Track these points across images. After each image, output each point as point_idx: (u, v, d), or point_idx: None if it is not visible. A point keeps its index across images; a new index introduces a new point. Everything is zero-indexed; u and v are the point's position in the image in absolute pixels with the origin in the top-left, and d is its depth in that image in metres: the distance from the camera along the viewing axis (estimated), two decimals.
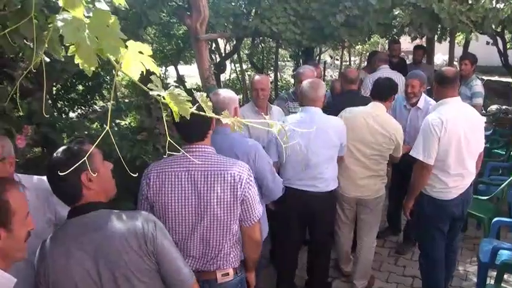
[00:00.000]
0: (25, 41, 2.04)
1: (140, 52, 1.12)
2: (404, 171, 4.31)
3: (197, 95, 1.23)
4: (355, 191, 4.00)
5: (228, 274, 2.49)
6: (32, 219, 1.75)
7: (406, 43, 7.58)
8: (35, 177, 2.32)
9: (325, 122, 3.63)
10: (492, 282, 3.92)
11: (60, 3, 1.03)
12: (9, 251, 1.62)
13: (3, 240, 1.58)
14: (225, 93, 2.99)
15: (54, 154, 1.87)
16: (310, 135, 3.55)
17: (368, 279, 4.32)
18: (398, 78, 5.91)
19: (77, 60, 1.04)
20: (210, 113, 1.18)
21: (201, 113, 1.16)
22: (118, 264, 1.85)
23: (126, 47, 1.10)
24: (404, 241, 5.07)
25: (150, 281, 1.93)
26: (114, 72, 1.17)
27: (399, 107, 4.80)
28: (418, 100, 4.61)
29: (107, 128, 1.11)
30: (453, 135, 3.43)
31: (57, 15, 1.02)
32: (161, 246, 1.92)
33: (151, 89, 1.10)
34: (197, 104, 1.20)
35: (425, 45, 7.89)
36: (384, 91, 4.00)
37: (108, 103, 9.62)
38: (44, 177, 2.20)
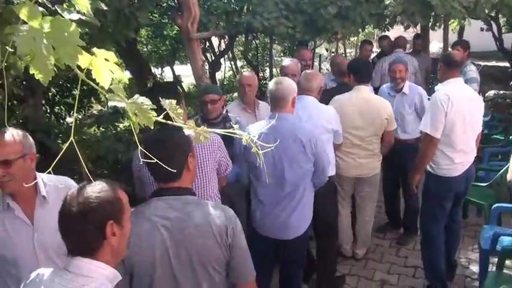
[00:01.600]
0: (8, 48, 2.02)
1: (106, 59, 1.10)
2: (395, 167, 4.81)
3: (165, 102, 1.19)
4: (355, 170, 4.27)
5: None
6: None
7: (401, 32, 7.52)
8: (58, 176, 2.34)
9: (317, 109, 3.73)
10: (494, 269, 3.90)
11: (21, 15, 1.01)
12: (120, 248, 1.64)
13: (118, 237, 1.59)
14: (286, 83, 3.18)
15: None
16: (302, 121, 3.58)
17: (368, 247, 4.69)
18: (412, 62, 6.23)
19: (32, 71, 1.02)
20: (179, 122, 1.16)
21: (168, 121, 1.14)
22: (198, 250, 1.97)
23: (93, 54, 1.08)
24: (404, 232, 5.05)
25: (221, 270, 2.06)
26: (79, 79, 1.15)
27: (384, 94, 4.87)
28: (404, 85, 4.72)
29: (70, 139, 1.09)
30: (458, 111, 3.59)
31: (17, 26, 1.00)
32: (238, 240, 2.05)
33: (111, 100, 1.08)
34: (164, 113, 1.17)
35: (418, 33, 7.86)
36: (365, 74, 4.25)
37: (104, 107, 9.62)
38: (64, 177, 2.34)
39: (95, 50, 1.08)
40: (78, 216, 1.52)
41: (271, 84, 3.22)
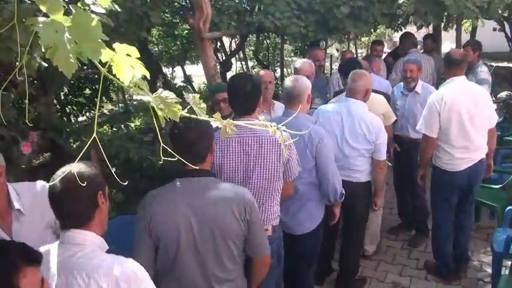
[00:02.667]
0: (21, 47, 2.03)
1: (128, 55, 1.09)
2: (405, 166, 4.80)
3: (189, 96, 1.19)
4: None
5: (267, 230, 2.71)
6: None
7: (413, 32, 7.47)
8: (30, 183, 2.29)
9: (361, 116, 3.62)
10: (507, 272, 3.85)
11: (42, 8, 1.01)
12: (105, 218, 1.80)
13: (105, 206, 1.79)
14: (301, 80, 3.23)
15: None
16: (345, 127, 3.63)
17: (377, 243, 4.69)
18: (428, 61, 6.30)
19: (55, 63, 1.02)
20: (203, 116, 1.15)
21: (192, 115, 1.14)
22: (219, 226, 2.15)
23: (113, 49, 1.07)
24: (416, 233, 5.02)
25: (239, 243, 2.25)
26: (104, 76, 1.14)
27: (397, 93, 4.92)
28: (416, 85, 4.71)
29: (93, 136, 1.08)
30: (453, 109, 3.75)
31: (38, 18, 1.00)
32: (255, 216, 2.26)
33: (135, 93, 1.08)
34: (188, 107, 1.17)
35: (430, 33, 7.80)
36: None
37: (115, 106, 9.66)
38: (39, 183, 2.26)
39: (116, 45, 1.07)
40: (74, 190, 1.63)
41: (287, 82, 3.27)
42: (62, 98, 7.27)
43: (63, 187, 1.66)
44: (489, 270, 4.21)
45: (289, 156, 2.71)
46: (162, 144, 1.16)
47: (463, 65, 3.93)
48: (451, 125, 3.78)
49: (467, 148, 3.83)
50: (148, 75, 1.12)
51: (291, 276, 3.53)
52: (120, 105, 11.20)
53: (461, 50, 5.05)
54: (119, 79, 1.11)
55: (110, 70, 1.11)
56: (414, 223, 5.07)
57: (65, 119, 7.19)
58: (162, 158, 1.18)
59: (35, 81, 5.03)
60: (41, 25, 1.01)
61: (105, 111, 10.84)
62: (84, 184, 1.45)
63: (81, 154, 1.15)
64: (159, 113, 1.09)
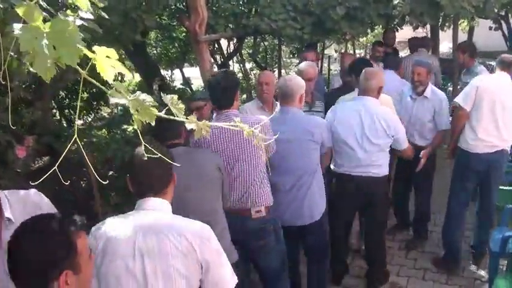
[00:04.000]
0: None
1: (107, 56, 1.10)
2: (408, 172, 4.70)
3: (167, 97, 1.20)
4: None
5: (260, 211, 3.05)
6: None
7: (410, 33, 7.49)
8: (22, 191, 2.29)
9: (379, 112, 3.74)
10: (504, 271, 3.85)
11: (21, 14, 1.02)
12: None
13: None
14: (294, 80, 3.44)
15: None
16: (364, 124, 3.72)
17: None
18: (434, 62, 6.20)
19: (34, 69, 1.03)
20: (180, 117, 1.16)
21: (170, 116, 1.15)
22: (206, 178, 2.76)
23: (93, 52, 1.08)
24: (414, 236, 5.00)
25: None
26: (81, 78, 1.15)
27: (405, 97, 4.69)
28: (425, 89, 4.50)
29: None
30: (488, 91, 4.02)
31: (14, 24, 1.01)
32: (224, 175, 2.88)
33: (113, 96, 1.09)
34: (166, 108, 1.19)
35: (429, 34, 7.82)
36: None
37: (115, 109, 9.67)
38: (32, 191, 2.23)
39: (95, 48, 1.09)
40: (159, 161, 1.66)
41: (281, 80, 3.50)
42: (59, 101, 7.28)
43: (149, 158, 1.56)
44: (486, 270, 4.21)
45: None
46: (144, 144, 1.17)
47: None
48: (482, 104, 4.00)
49: (491, 132, 4.06)
50: (129, 74, 1.14)
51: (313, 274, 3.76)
52: (119, 108, 11.19)
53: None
54: (99, 81, 1.13)
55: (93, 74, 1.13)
56: (414, 226, 5.03)
57: (63, 123, 7.20)
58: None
59: (32, 86, 5.04)
60: (19, 31, 1.02)
61: (105, 114, 10.84)
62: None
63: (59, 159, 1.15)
64: (136, 116, 1.10)
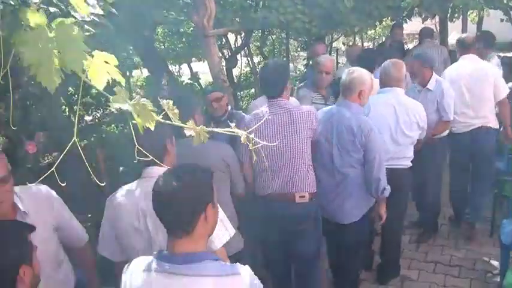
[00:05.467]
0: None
1: (106, 62, 1.10)
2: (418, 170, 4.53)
3: (163, 102, 1.21)
4: None
5: (304, 197, 3.15)
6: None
7: (419, 24, 7.41)
8: (33, 187, 2.33)
9: (410, 104, 3.85)
10: None
11: (24, 20, 1.01)
12: None
13: None
14: (356, 73, 3.40)
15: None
16: (399, 117, 3.79)
17: None
18: (440, 52, 6.45)
19: (38, 79, 1.03)
20: (176, 122, 1.17)
21: (167, 121, 1.16)
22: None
23: (92, 56, 1.08)
24: (424, 229, 4.98)
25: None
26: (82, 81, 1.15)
27: (412, 90, 4.68)
28: (428, 81, 4.49)
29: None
30: (454, 80, 4.58)
31: (21, 32, 1.01)
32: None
33: (115, 102, 1.09)
34: (163, 113, 1.20)
35: (437, 25, 7.75)
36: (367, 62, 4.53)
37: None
38: (43, 186, 2.27)
39: (95, 52, 1.08)
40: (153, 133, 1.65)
41: (344, 72, 3.48)
42: (69, 97, 7.30)
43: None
44: (497, 262, 4.19)
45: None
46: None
47: (473, 48, 4.72)
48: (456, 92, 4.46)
49: (466, 114, 4.60)
50: (123, 81, 1.14)
51: (337, 265, 3.82)
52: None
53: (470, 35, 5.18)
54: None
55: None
56: (422, 221, 5.02)
57: (72, 118, 7.22)
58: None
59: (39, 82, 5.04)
60: (23, 44, 1.01)
61: (113, 110, 10.86)
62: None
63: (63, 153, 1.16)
64: (138, 120, 1.10)
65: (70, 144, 1.08)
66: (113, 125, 7.24)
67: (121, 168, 4.44)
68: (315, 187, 3.25)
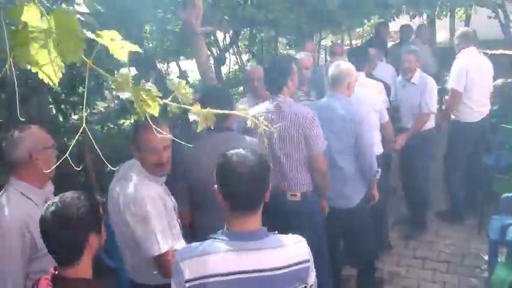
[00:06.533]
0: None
1: (112, 39, 1.08)
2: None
3: (174, 81, 1.18)
4: None
5: (295, 195, 3.24)
6: None
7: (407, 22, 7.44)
8: None
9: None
10: (503, 259, 3.86)
11: (20, 17, 0.99)
12: None
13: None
14: (343, 65, 3.57)
15: None
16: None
17: None
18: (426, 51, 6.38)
19: (40, 76, 1.01)
20: (187, 104, 1.14)
21: (175, 103, 1.13)
22: None
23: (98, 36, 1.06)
24: (413, 225, 5.00)
25: None
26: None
27: (398, 84, 4.95)
28: (412, 76, 4.67)
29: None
30: (469, 70, 4.78)
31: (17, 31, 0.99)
32: None
33: (118, 88, 1.07)
34: (172, 95, 1.17)
35: (426, 23, 7.76)
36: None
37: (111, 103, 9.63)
38: None
39: (101, 32, 1.06)
40: None
41: (332, 66, 3.63)
42: (56, 96, 7.22)
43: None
44: (486, 257, 4.22)
45: (310, 133, 3.13)
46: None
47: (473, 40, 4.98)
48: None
49: (478, 102, 4.92)
50: (140, 50, 1.13)
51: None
52: (115, 101, 11.12)
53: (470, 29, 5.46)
54: (105, 71, 1.11)
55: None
56: (411, 217, 5.04)
57: (60, 118, 7.14)
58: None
59: (29, 81, 4.99)
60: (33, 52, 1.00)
61: (101, 108, 10.77)
62: None
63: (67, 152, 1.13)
64: (138, 107, 1.07)
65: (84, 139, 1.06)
66: (100, 125, 7.17)
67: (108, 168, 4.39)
68: (306, 187, 3.30)
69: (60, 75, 1.06)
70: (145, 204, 2.28)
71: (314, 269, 1.84)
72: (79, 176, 5.06)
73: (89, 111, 7.26)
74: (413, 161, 4.71)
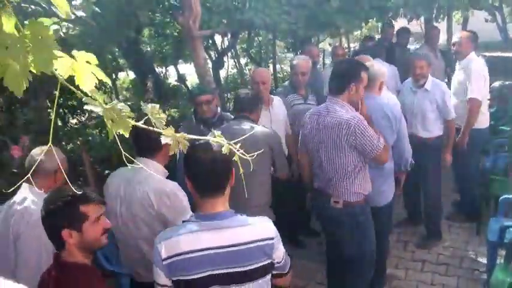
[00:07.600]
0: None
1: (88, 62, 1.07)
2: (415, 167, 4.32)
3: (147, 107, 1.19)
4: None
5: (338, 202, 3.20)
6: None
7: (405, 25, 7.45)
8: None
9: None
10: (502, 261, 3.86)
11: None
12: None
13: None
14: (375, 67, 3.60)
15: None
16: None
17: None
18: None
19: (5, 84, 1.00)
20: (160, 128, 1.15)
21: (149, 127, 1.14)
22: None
23: (73, 57, 1.05)
24: (428, 234, 4.83)
25: None
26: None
27: (406, 90, 4.71)
28: (426, 82, 4.47)
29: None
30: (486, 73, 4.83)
31: None
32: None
33: (88, 103, 1.06)
34: (145, 118, 1.18)
35: (423, 26, 7.79)
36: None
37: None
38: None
39: (74, 52, 1.05)
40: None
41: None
42: (54, 100, 7.21)
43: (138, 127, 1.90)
44: (485, 259, 4.22)
45: (356, 141, 3.01)
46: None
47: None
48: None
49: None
50: (109, 82, 1.12)
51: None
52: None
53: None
54: (77, 88, 1.09)
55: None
56: (427, 226, 4.85)
57: (59, 122, 7.14)
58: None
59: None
60: None
61: (100, 113, 10.74)
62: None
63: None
64: (109, 125, 1.07)
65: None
66: (98, 129, 7.17)
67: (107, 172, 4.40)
68: (350, 196, 3.20)
69: (26, 86, 1.05)
70: (178, 195, 2.40)
71: (281, 248, 2.00)
72: (77, 180, 5.05)
73: (87, 115, 7.27)
74: (426, 171, 4.62)
